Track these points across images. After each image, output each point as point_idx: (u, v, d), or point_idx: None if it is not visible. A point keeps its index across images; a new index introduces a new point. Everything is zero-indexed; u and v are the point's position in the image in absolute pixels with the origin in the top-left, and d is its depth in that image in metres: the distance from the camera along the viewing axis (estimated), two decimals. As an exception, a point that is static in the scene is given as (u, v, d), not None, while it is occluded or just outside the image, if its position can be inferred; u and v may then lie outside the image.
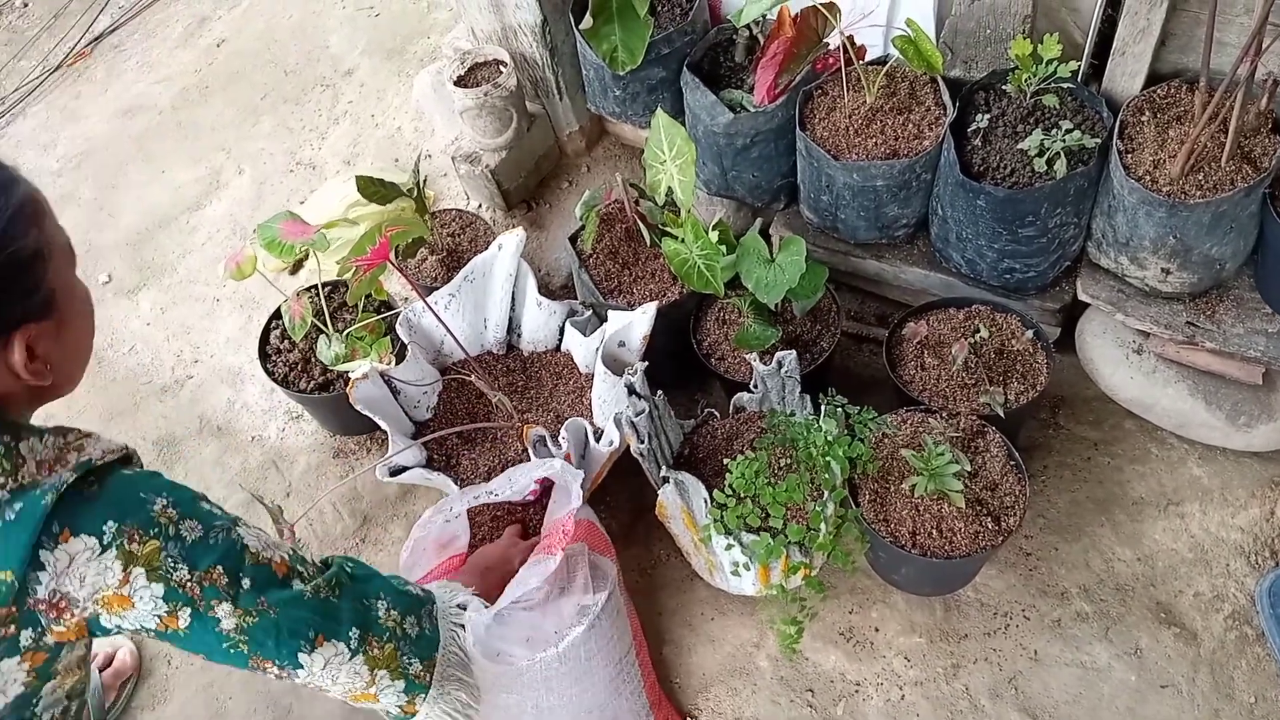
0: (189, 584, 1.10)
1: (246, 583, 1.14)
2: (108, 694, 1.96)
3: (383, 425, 1.88)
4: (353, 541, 2.15)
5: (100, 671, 1.98)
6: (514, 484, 1.73)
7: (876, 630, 1.86)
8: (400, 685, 1.26)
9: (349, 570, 1.27)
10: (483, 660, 1.41)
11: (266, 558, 1.18)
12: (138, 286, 2.76)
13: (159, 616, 1.10)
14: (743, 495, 1.63)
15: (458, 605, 1.40)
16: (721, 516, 1.61)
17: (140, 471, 1.15)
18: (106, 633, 1.13)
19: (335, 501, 2.20)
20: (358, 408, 1.88)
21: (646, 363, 1.75)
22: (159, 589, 1.09)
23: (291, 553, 1.23)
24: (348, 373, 1.94)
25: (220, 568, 1.13)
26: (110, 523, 1.07)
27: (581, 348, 2.02)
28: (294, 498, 2.24)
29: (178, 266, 2.78)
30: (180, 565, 1.10)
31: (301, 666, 1.18)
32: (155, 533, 1.09)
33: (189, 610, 1.11)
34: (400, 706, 1.28)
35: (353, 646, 1.21)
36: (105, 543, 1.06)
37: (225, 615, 1.13)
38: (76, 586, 1.06)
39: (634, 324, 1.88)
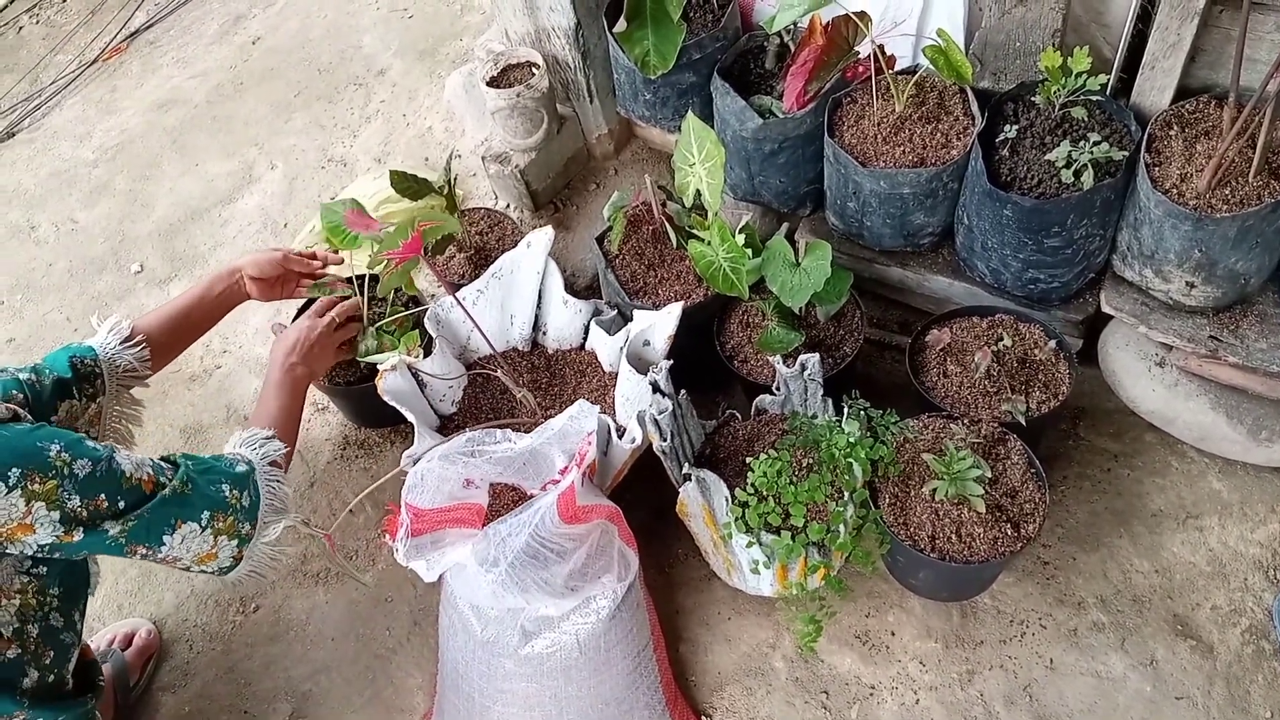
0: (80, 510, 1.39)
1: (122, 504, 1.44)
2: (131, 672, 1.99)
3: (409, 417, 1.91)
4: (375, 532, 2.17)
5: (122, 650, 2.01)
6: (538, 465, 1.73)
7: (892, 634, 1.87)
8: (234, 543, 1.57)
9: (192, 466, 1.56)
10: (503, 641, 1.43)
11: (138, 479, 1.47)
12: (169, 277, 2.80)
13: (57, 535, 1.39)
14: (764, 494, 1.65)
15: (270, 463, 1.68)
16: (743, 514, 1.63)
17: (29, 425, 1.42)
18: (14, 559, 1.47)
19: (358, 491, 2.22)
20: (385, 399, 1.90)
21: (671, 361, 1.77)
22: (56, 515, 1.38)
23: (154, 466, 1.51)
24: (376, 365, 1.97)
25: (103, 495, 1.42)
26: (14, 469, 1.34)
27: (606, 346, 2.04)
28: (318, 488, 2.27)
29: (209, 258, 2.83)
30: (73, 496, 1.39)
31: (165, 544, 1.49)
32: (52, 474, 1.37)
33: (81, 529, 1.41)
34: (232, 557, 1.58)
35: (204, 524, 1.52)
36: (10, 485, 1.33)
37: (111, 527, 1.43)
38: None
39: (659, 324, 1.90)
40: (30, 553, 1.43)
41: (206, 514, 1.52)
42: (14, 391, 1.59)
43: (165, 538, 1.49)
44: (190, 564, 1.55)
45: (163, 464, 1.54)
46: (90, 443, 1.44)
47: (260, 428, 1.74)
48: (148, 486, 1.47)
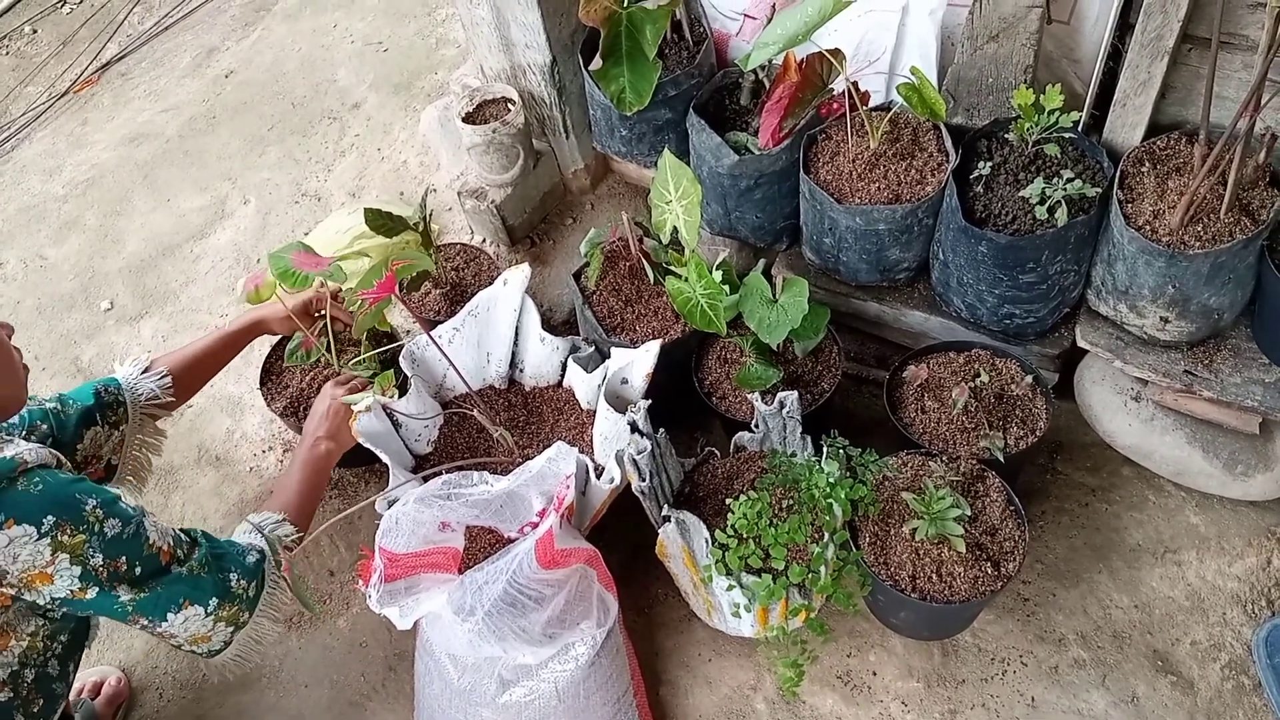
0: (101, 569, 1.39)
1: (139, 570, 1.43)
2: (101, 722, 1.95)
3: (383, 458, 1.88)
4: (349, 575, 2.14)
5: (91, 699, 1.97)
6: (515, 508, 1.71)
7: (874, 674, 1.85)
8: (231, 629, 1.56)
9: (212, 551, 1.56)
10: (480, 689, 1.40)
11: (158, 547, 1.46)
12: (140, 314, 2.77)
13: (72, 590, 1.39)
14: (745, 535, 1.63)
15: (280, 547, 1.67)
16: (723, 557, 1.61)
17: (71, 475, 1.43)
18: (28, 604, 1.45)
19: (333, 533, 2.20)
20: (359, 440, 1.88)
21: (650, 400, 1.76)
22: (77, 570, 1.37)
23: (174, 537, 1.50)
24: (350, 404, 1.94)
25: (124, 558, 1.42)
26: (49, 517, 1.34)
27: (584, 384, 2.03)
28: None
29: (180, 295, 2.79)
30: (97, 554, 1.38)
31: (166, 621, 1.48)
32: (84, 528, 1.37)
33: (97, 588, 1.40)
34: (224, 641, 1.57)
35: (210, 610, 1.51)
36: (43, 532, 1.34)
37: (124, 592, 1.43)
38: (9, 563, 1.33)
39: (637, 362, 1.89)
40: (42, 603, 1.42)
41: (214, 601, 1.52)
42: (39, 422, 1.63)
43: (170, 615, 1.48)
44: (183, 642, 1.54)
45: (182, 536, 1.53)
46: (124, 503, 1.45)
47: (275, 510, 1.73)
48: (164, 557, 1.47)
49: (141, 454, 1.90)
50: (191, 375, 1.97)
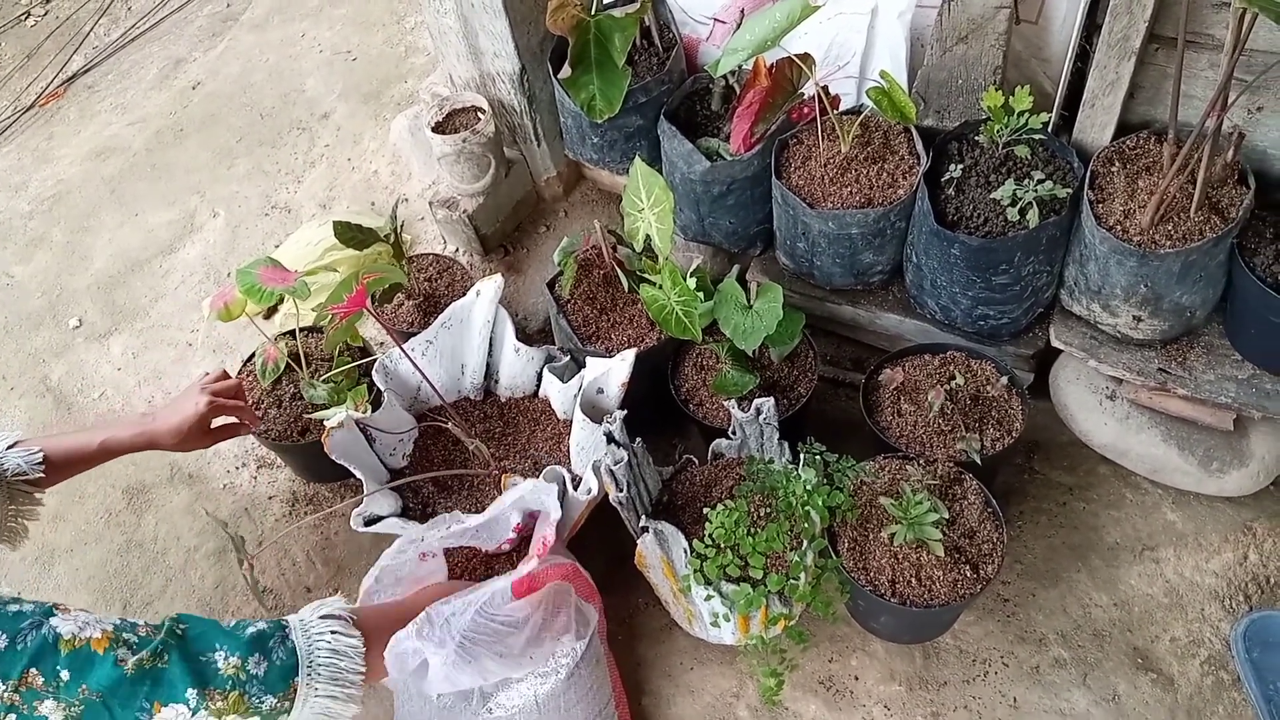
0: (5, 694, 1.14)
1: (65, 675, 1.17)
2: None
3: (358, 474, 1.86)
4: (326, 591, 2.11)
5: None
6: (492, 530, 1.71)
7: (856, 679, 1.85)
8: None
9: (179, 631, 1.27)
10: (459, 706, 1.39)
11: (84, 638, 1.20)
12: (109, 331, 2.73)
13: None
14: (723, 545, 1.62)
15: (321, 617, 1.40)
16: (701, 567, 1.61)
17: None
18: None
19: (309, 550, 2.17)
20: (333, 456, 1.86)
21: (625, 411, 1.75)
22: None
23: (117, 623, 1.24)
24: (323, 420, 1.92)
25: (33, 669, 1.16)
26: None
27: (559, 394, 2.01)
28: (267, 546, 2.20)
29: (150, 310, 2.76)
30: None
31: None
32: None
33: (14, 716, 1.16)
34: None
35: (193, 705, 1.23)
36: None
37: (50, 711, 1.17)
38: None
39: (612, 371, 1.88)
40: None
41: (193, 691, 1.23)
42: None
43: None
44: None
45: (132, 621, 1.27)
46: (14, 607, 1.22)
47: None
48: (99, 645, 1.21)
49: (17, 524, 1.74)
50: (64, 465, 1.78)
